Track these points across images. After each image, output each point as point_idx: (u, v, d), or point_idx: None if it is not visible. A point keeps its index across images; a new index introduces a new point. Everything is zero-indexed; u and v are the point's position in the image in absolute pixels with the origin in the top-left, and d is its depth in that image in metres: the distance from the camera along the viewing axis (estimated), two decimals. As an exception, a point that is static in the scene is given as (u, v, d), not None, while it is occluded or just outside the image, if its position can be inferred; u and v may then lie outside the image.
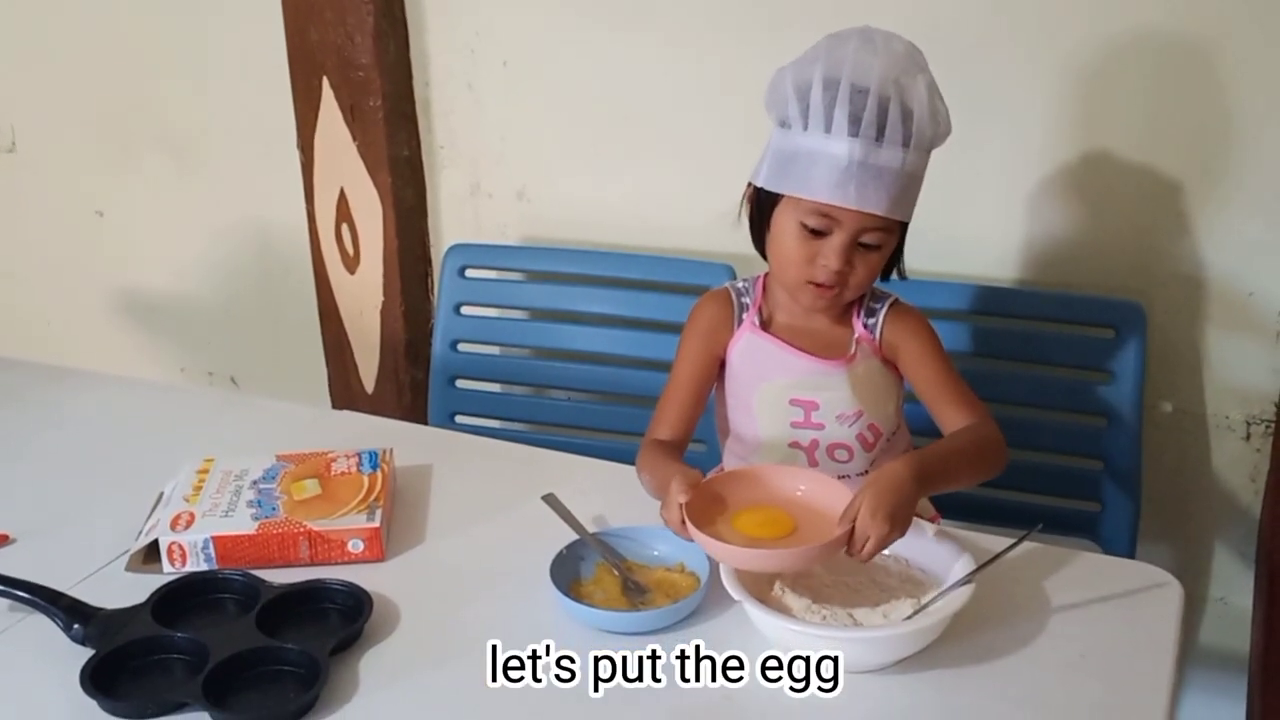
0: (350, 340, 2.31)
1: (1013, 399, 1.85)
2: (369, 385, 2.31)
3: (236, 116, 2.38)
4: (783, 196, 1.38)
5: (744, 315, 1.49)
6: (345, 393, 2.36)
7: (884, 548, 1.23)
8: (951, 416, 1.45)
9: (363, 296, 2.26)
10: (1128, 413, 1.78)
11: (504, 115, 2.16)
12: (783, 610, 1.23)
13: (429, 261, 2.27)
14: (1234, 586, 1.92)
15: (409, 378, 2.27)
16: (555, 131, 2.14)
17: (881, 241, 1.39)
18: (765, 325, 1.49)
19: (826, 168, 1.33)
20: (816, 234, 1.37)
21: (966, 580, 1.22)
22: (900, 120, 1.32)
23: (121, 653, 1.23)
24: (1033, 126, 1.81)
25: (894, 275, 1.48)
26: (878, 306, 1.48)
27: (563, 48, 2.07)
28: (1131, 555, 1.80)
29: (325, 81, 2.13)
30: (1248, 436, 1.84)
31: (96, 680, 1.19)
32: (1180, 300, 1.81)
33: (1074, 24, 1.74)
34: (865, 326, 1.47)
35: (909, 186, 1.36)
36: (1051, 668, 1.20)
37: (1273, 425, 1.81)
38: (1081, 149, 1.80)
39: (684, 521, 1.25)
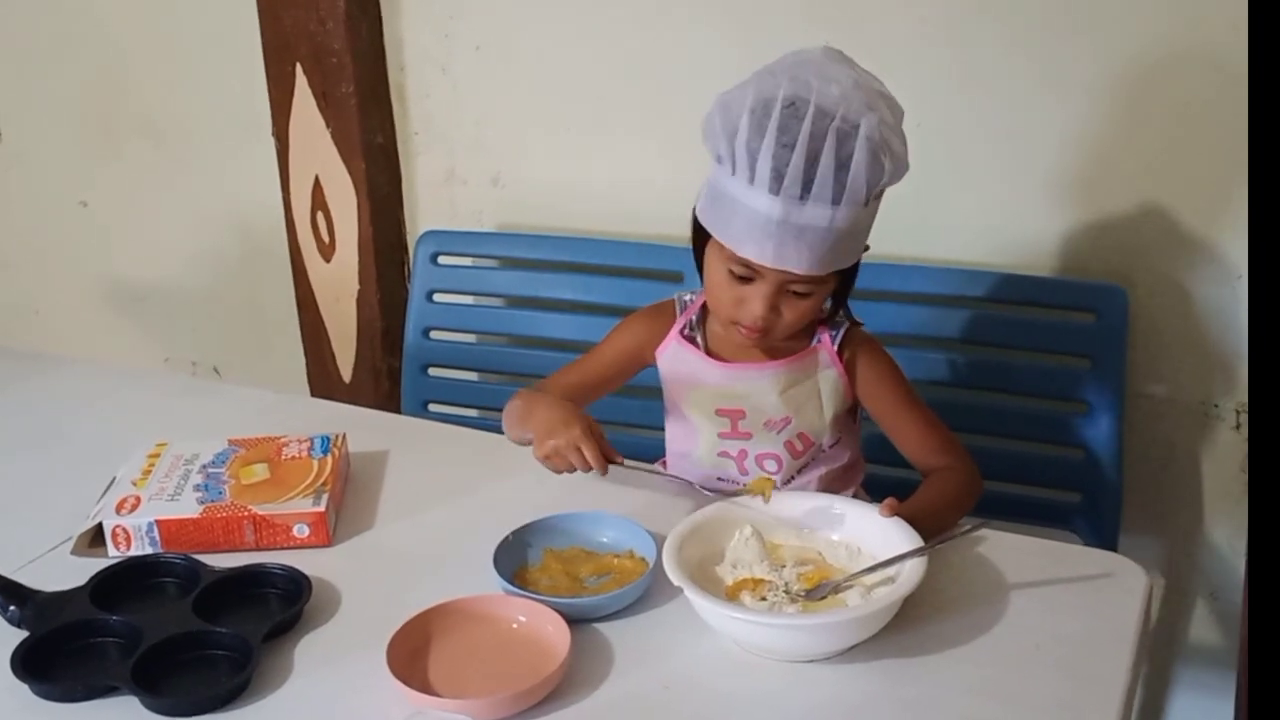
0: (328, 329, 2.28)
1: (990, 385, 1.81)
2: (346, 374, 2.28)
3: (215, 105, 2.36)
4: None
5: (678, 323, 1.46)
6: (323, 382, 2.33)
7: None
8: (922, 450, 1.40)
9: (339, 285, 2.23)
10: (1109, 400, 1.73)
11: (479, 100, 2.12)
12: (728, 596, 1.20)
13: (405, 249, 2.24)
14: (1224, 582, 1.87)
15: (385, 366, 2.24)
16: (531, 116, 2.10)
17: (812, 290, 1.32)
18: (703, 334, 1.45)
19: (747, 220, 1.25)
20: (743, 279, 1.31)
21: (909, 555, 1.19)
22: (832, 175, 1.20)
23: (56, 635, 1.22)
24: (1011, 105, 1.76)
25: (840, 314, 1.42)
26: (837, 322, 1.43)
27: (537, 31, 2.04)
28: (1113, 547, 1.75)
29: (299, 68, 2.11)
30: (1237, 425, 1.79)
31: (28, 662, 1.17)
32: (1164, 283, 1.75)
33: (1056, 6, 1.70)
34: (829, 333, 1.42)
35: (840, 241, 1.25)
36: (1005, 658, 1.16)
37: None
38: (1060, 127, 1.75)
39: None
